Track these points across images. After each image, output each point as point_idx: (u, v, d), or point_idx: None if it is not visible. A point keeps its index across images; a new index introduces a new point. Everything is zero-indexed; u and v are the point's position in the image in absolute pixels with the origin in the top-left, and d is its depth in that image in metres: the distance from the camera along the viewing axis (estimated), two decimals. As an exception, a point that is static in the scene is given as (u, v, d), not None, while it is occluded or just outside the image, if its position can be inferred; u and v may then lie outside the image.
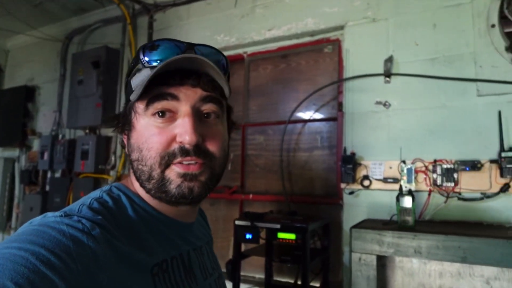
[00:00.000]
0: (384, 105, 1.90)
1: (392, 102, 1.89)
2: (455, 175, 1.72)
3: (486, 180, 1.67)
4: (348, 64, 2.01)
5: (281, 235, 1.70)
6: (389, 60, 1.87)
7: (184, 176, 0.60)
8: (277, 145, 2.18)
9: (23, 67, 3.57)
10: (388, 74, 1.87)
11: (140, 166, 0.61)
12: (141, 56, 0.62)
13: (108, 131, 2.91)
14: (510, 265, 1.34)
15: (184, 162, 0.60)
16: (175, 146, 0.59)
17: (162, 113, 0.60)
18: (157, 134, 0.60)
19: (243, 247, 2.04)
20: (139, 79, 0.62)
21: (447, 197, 1.73)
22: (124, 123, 0.66)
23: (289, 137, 2.24)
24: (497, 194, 1.64)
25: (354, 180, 1.90)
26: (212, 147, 0.63)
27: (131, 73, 0.65)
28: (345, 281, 1.88)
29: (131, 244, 0.57)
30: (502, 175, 1.62)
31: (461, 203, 1.71)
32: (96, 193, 0.64)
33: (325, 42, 2.16)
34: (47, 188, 3.21)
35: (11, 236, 0.51)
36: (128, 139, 0.65)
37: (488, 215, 1.66)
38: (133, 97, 0.62)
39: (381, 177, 1.86)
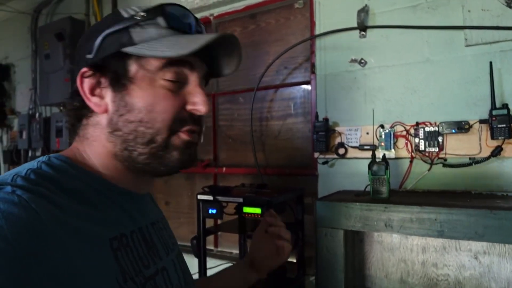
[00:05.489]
0: (360, 63, 1.67)
1: (369, 59, 1.66)
2: (440, 139, 1.51)
3: (475, 143, 1.46)
4: (320, 19, 1.77)
5: (247, 209, 1.55)
6: (364, 11, 1.63)
7: (187, 144, 0.60)
8: (249, 114, 1.99)
9: (-3, 45, 3.41)
10: (363, 27, 1.64)
11: (141, 128, 0.56)
12: (163, 13, 0.58)
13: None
14: (494, 239, 1.14)
15: (190, 131, 0.59)
16: (186, 113, 0.59)
17: (176, 77, 0.59)
18: (170, 97, 0.57)
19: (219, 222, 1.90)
20: (155, 33, 0.57)
21: (431, 163, 1.53)
22: (118, 76, 0.57)
23: (260, 105, 2.04)
24: (487, 158, 1.43)
25: (328, 149, 1.70)
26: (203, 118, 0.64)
27: (137, 23, 0.57)
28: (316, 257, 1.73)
29: (82, 217, 0.50)
30: (493, 137, 1.40)
31: (447, 170, 1.51)
32: (32, 164, 0.54)
33: (295, -5, 1.92)
34: (30, 167, 3.12)
35: None
36: (122, 95, 0.57)
37: (477, 182, 1.46)
38: (156, 53, 0.55)
39: (357, 144, 1.66)
